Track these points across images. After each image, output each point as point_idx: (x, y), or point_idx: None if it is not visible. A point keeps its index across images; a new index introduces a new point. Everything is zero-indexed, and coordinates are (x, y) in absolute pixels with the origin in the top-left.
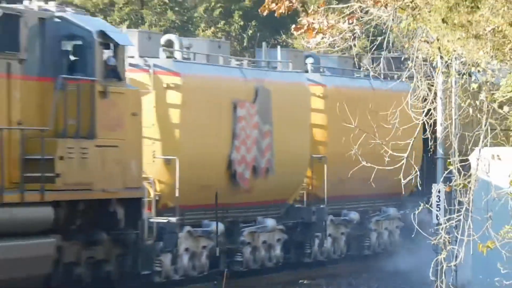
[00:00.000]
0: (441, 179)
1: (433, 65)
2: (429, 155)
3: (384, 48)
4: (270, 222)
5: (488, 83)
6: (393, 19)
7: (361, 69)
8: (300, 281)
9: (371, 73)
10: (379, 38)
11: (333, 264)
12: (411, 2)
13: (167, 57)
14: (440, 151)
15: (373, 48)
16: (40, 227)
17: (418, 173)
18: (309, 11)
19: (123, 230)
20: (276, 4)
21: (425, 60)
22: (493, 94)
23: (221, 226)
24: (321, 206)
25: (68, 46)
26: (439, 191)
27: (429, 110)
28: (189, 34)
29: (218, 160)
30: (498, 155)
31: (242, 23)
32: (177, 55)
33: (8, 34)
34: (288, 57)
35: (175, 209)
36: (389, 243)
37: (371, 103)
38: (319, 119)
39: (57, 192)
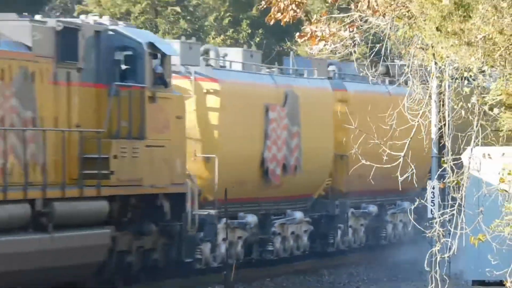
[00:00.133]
0: (436, 177)
1: (428, 70)
2: None
3: (382, 55)
4: (298, 215)
5: (479, 87)
6: (390, 28)
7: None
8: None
9: (370, 78)
10: (378, 45)
11: (353, 253)
12: (407, 12)
13: (206, 65)
14: (434, 150)
15: (372, 55)
16: (96, 219)
17: (414, 171)
18: (312, 20)
19: (169, 222)
20: (282, 13)
21: (420, 65)
22: (484, 97)
23: (254, 218)
24: (344, 200)
25: (120, 56)
26: (433, 188)
27: (424, 112)
28: (200, 42)
29: (252, 158)
30: (488, 154)
31: (249, 31)
32: (215, 63)
33: (67, 45)
34: (313, 64)
35: (214, 203)
36: (403, 234)
37: (387, 106)
38: (340, 121)
39: (112, 187)
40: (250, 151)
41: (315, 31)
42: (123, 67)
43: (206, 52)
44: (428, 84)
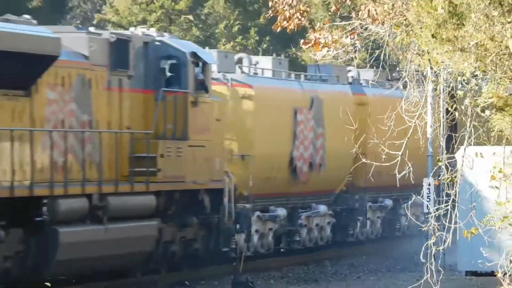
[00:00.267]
0: (431, 174)
1: (424, 74)
2: None
3: (381, 60)
4: (322, 208)
5: (472, 90)
6: (389, 35)
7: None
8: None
9: (370, 82)
10: (377, 51)
11: (370, 243)
12: (404, 20)
13: (242, 72)
14: (430, 149)
15: (372, 60)
16: (145, 212)
17: (411, 168)
18: (316, 28)
19: (208, 215)
20: (287, 21)
21: (417, 70)
22: (476, 100)
23: (284, 211)
24: (362, 194)
25: (165, 64)
26: (429, 184)
27: (420, 113)
28: (211, 48)
29: (282, 157)
30: (481, 153)
31: (257, 38)
32: (248, 70)
33: (120, 55)
34: (335, 71)
35: (248, 197)
36: (416, 226)
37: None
38: (360, 122)
39: (158, 183)
40: (280, 150)
41: (319, 38)
42: (168, 74)
43: (240, 60)
44: (424, 87)
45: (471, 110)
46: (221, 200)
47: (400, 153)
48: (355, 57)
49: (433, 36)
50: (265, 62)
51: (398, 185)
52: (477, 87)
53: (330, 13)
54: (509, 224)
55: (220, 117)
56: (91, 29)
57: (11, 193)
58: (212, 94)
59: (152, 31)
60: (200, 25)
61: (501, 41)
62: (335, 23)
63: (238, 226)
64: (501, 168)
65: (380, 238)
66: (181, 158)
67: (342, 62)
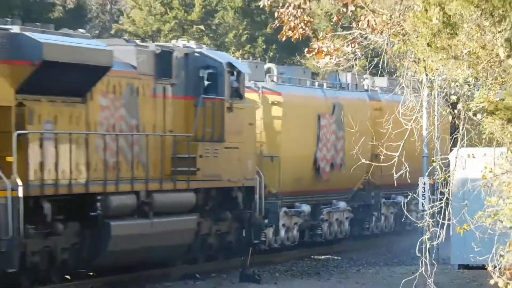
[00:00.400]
0: (426, 174)
1: (420, 80)
2: None
3: (380, 67)
4: (342, 204)
5: (464, 96)
6: (387, 44)
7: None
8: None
9: (370, 88)
10: (376, 59)
11: (383, 237)
12: (402, 30)
13: (271, 80)
14: (425, 150)
15: (371, 67)
16: (186, 207)
17: (407, 168)
18: (319, 37)
19: (241, 210)
20: (292, 31)
21: (413, 76)
22: (468, 104)
23: (308, 207)
24: (377, 191)
25: (204, 73)
26: (424, 184)
27: (416, 117)
28: None
29: (307, 157)
30: (472, 154)
31: (264, 46)
32: (276, 79)
33: (164, 65)
34: (353, 79)
35: (276, 195)
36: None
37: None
38: (377, 126)
39: (198, 181)
40: (305, 152)
41: (322, 47)
42: (206, 82)
43: (268, 70)
44: (420, 93)
45: (464, 114)
46: (253, 197)
47: (397, 154)
48: (356, 65)
49: (428, 44)
50: (291, 71)
51: (409, 182)
52: (469, 93)
53: (332, 23)
54: (499, 220)
55: (252, 121)
56: (137, 41)
57: (69, 190)
58: (246, 101)
59: (192, 43)
60: (211, 35)
61: (492, 50)
62: (337, 33)
63: (267, 220)
64: (491, 168)
65: (382, 234)
66: (218, 159)
67: (344, 69)
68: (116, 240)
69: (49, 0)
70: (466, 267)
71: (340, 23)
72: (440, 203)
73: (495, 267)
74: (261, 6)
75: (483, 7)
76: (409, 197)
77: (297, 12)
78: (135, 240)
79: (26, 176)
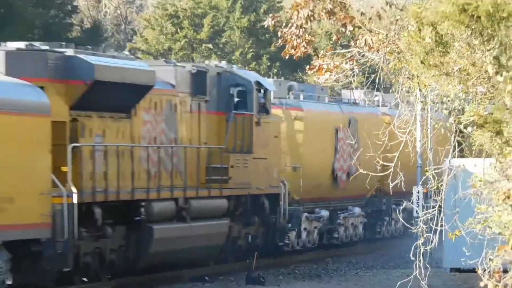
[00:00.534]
0: (420, 183)
1: (414, 95)
2: None
3: (377, 83)
4: (357, 210)
5: (455, 110)
6: (383, 61)
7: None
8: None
9: (367, 102)
10: (373, 75)
11: (392, 240)
12: (397, 48)
13: (294, 97)
14: (419, 161)
15: (368, 83)
16: (219, 212)
17: (402, 178)
18: (320, 55)
19: (267, 215)
20: (295, 49)
21: (407, 92)
22: (459, 118)
23: (326, 213)
24: (389, 198)
25: (234, 91)
26: (418, 192)
27: (410, 130)
28: None
29: (326, 167)
30: (463, 165)
31: (268, 63)
32: (298, 96)
33: (199, 83)
34: (365, 95)
35: (299, 201)
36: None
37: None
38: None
39: (229, 189)
40: (324, 162)
41: (322, 64)
42: (236, 99)
43: (290, 87)
44: (414, 107)
45: (455, 127)
46: (278, 203)
47: (392, 164)
48: (354, 81)
49: (421, 62)
50: (310, 89)
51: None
52: (460, 107)
53: (331, 42)
54: (488, 227)
55: (277, 134)
56: (173, 61)
57: (117, 197)
58: (272, 116)
59: (223, 63)
60: (219, 53)
61: (481, 66)
62: (336, 51)
63: (290, 224)
64: (481, 178)
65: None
66: (247, 168)
67: (342, 85)
68: (158, 242)
69: (68, 21)
70: (458, 270)
71: (339, 42)
72: (433, 210)
73: (485, 270)
74: (265, 26)
75: (473, 27)
76: (404, 204)
77: (299, 31)
78: (174, 242)
79: (79, 184)
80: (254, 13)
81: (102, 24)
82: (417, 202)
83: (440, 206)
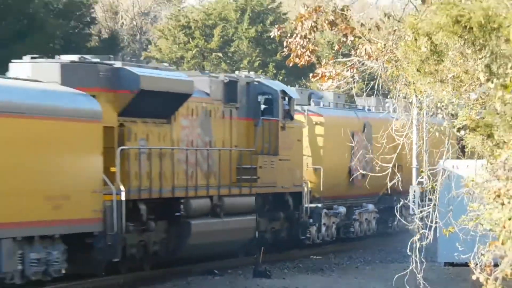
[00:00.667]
0: (416, 182)
1: (410, 101)
2: None
3: (375, 90)
4: (371, 206)
5: (449, 114)
6: (381, 69)
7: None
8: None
9: (366, 107)
10: (372, 82)
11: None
12: (394, 57)
13: (315, 104)
14: (415, 162)
15: (368, 89)
16: (248, 209)
17: (399, 178)
18: (322, 63)
19: (291, 211)
20: (299, 58)
21: (404, 97)
22: (453, 122)
23: (344, 209)
24: (399, 196)
25: (261, 99)
26: (414, 191)
27: (407, 133)
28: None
29: (343, 168)
30: (456, 166)
31: (274, 71)
32: (318, 103)
33: (230, 92)
34: (378, 102)
35: (319, 199)
36: None
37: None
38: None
39: (258, 188)
40: (342, 163)
41: (325, 72)
42: (263, 106)
43: (310, 95)
44: (411, 112)
45: (449, 131)
46: (300, 201)
47: (390, 165)
48: (354, 87)
49: (417, 70)
50: (328, 96)
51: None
52: (453, 112)
53: (333, 51)
54: (480, 223)
55: (300, 138)
56: (205, 71)
57: (159, 195)
58: (295, 121)
59: (252, 74)
60: (228, 61)
61: (474, 74)
62: (338, 60)
63: (311, 220)
64: (473, 178)
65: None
66: (274, 169)
67: (343, 91)
68: (195, 236)
69: (86, 31)
70: (451, 264)
71: (340, 51)
72: (428, 208)
73: (477, 264)
74: (271, 36)
75: (465, 37)
76: (401, 202)
77: (303, 41)
78: (209, 236)
79: (126, 183)
80: (261, 24)
81: (118, 34)
82: (413, 201)
83: (435, 204)
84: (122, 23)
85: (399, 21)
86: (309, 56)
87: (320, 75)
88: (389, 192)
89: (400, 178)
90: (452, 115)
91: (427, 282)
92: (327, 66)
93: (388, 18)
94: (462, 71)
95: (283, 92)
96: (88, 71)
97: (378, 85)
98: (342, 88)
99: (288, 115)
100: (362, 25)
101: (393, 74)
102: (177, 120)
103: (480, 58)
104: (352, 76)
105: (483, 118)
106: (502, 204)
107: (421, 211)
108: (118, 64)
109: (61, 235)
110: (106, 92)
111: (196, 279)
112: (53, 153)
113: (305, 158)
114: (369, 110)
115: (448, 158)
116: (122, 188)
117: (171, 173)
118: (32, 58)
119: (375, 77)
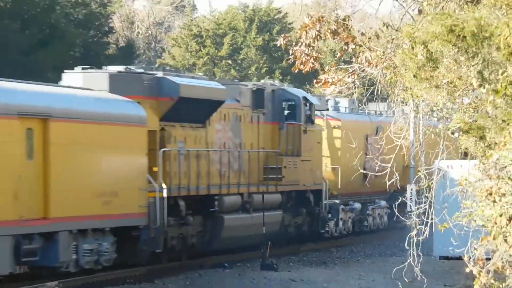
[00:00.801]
0: (413, 181)
1: (407, 105)
2: None
3: (375, 94)
4: (383, 203)
5: (444, 117)
6: (381, 75)
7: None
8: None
9: (366, 111)
10: (372, 88)
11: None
12: (393, 64)
13: (333, 109)
14: (412, 162)
15: (368, 94)
16: (274, 205)
17: (398, 177)
18: (325, 70)
19: (312, 207)
20: (303, 65)
21: (402, 102)
22: (447, 124)
23: (359, 205)
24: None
25: (285, 105)
26: (411, 189)
27: (404, 135)
28: None
29: (358, 168)
30: (451, 165)
31: (280, 77)
32: (335, 108)
33: (258, 99)
34: (389, 107)
35: (337, 196)
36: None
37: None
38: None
39: (283, 186)
40: (357, 163)
41: (327, 78)
42: (287, 111)
43: (327, 101)
44: (408, 115)
45: (444, 133)
46: (320, 197)
47: (389, 165)
48: (355, 92)
49: (414, 76)
50: (343, 102)
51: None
52: (448, 115)
53: (336, 59)
54: (473, 220)
55: (319, 140)
56: (230, 79)
57: (196, 192)
58: (315, 125)
59: (276, 82)
60: (237, 68)
61: (467, 80)
62: (340, 66)
63: (330, 215)
64: (466, 177)
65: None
66: (297, 169)
67: (345, 96)
68: (228, 229)
69: (105, 40)
70: (446, 258)
71: (342, 58)
72: (425, 205)
73: (470, 258)
74: (278, 44)
75: (459, 45)
76: (399, 200)
77: (307, 49)
78: (240, 229)
79: (167, 181)
80: (268, 33)
81: (135, 42)
82: (411, 198)
83: (430, 202)
84: (138, 32)
85: (397, 30)
86: (313, 63)
87: (323, 81)
88: (399, 189)
89: (398, 177)
90: (446, 118)
91: (424, 275)
92: (329, 73)
93: (387, 27)
94: (456, 77)
95: (305, 98)
96: (133, 80)
97: (377, 90)
98: (344, 93)
99: (309, 120)
100: (362, 34)
101: (391, 80)
102: (211, 124)
103: (473, 65)
104: (353, 82)
105: (476, 121)
106: (494, 201)
107: (418, 208)
108: (159, 74)
109: (110, 228)
110: (150, 99)
111: (207, 272)
112: (104, 154)
113: (324, 159)
114: (381, 114)
115: (443, 158)
116: (164, 186)
117: (206, 172)
118: (83, 69)
119: (375, 82)
